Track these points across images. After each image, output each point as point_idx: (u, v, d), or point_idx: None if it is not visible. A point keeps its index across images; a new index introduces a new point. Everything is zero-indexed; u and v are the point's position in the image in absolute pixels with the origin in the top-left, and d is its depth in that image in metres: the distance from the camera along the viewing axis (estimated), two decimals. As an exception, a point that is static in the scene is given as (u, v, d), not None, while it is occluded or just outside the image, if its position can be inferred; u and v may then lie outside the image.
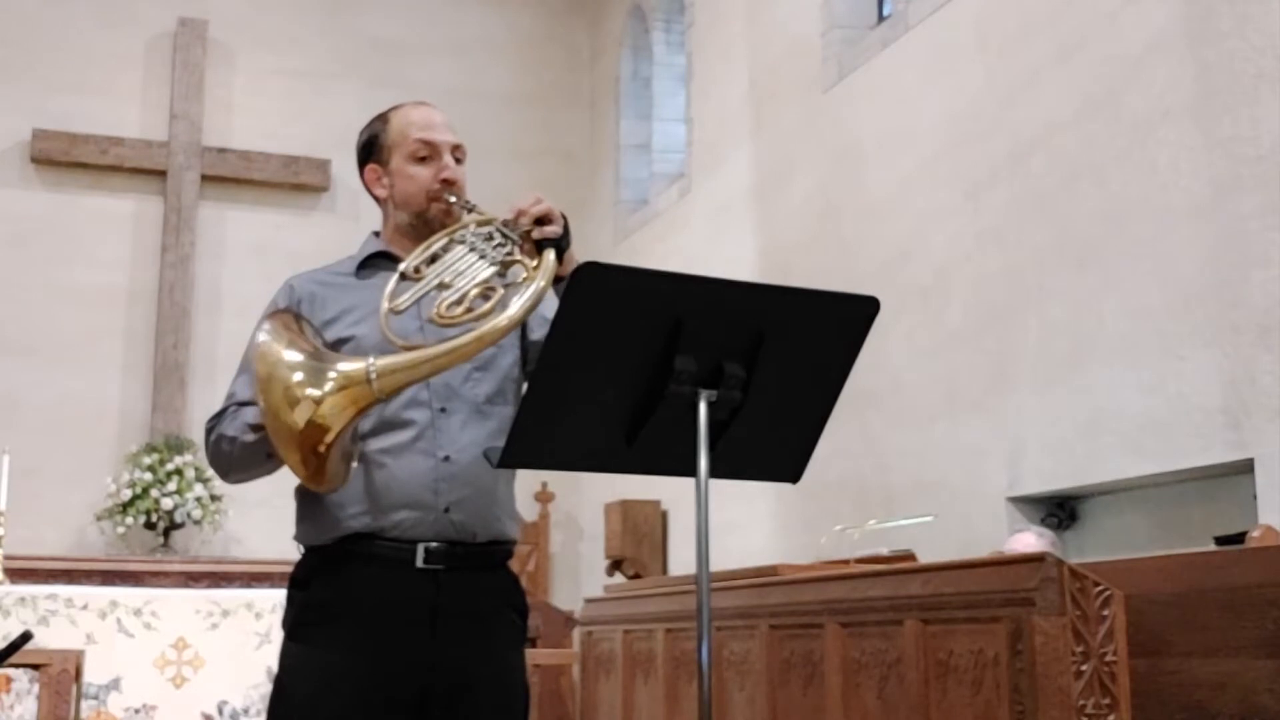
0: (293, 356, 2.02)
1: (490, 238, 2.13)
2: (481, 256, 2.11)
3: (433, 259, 2.13)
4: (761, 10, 7.82)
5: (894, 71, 6.42)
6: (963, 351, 5.71)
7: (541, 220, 2.11)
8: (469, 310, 2.03)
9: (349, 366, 2.01)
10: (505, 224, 2.13)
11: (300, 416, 1.96)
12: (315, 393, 1.98)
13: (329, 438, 1.98)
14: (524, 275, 2.07)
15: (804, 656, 3.48)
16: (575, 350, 1.88)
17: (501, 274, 2.10)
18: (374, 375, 1.99)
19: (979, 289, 5.65)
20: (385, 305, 2.07)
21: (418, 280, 2.10)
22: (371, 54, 9.78)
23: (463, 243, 2.14)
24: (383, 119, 2.37)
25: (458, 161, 2.32)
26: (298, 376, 1.99)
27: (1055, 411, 5.10)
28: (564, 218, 2.14)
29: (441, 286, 2.08)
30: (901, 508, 5.59)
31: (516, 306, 2.02)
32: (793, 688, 3.53)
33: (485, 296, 2.05)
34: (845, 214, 6.73)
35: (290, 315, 2.15)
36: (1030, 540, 4.14)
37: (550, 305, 2.23)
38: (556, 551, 9.83)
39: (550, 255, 2.08)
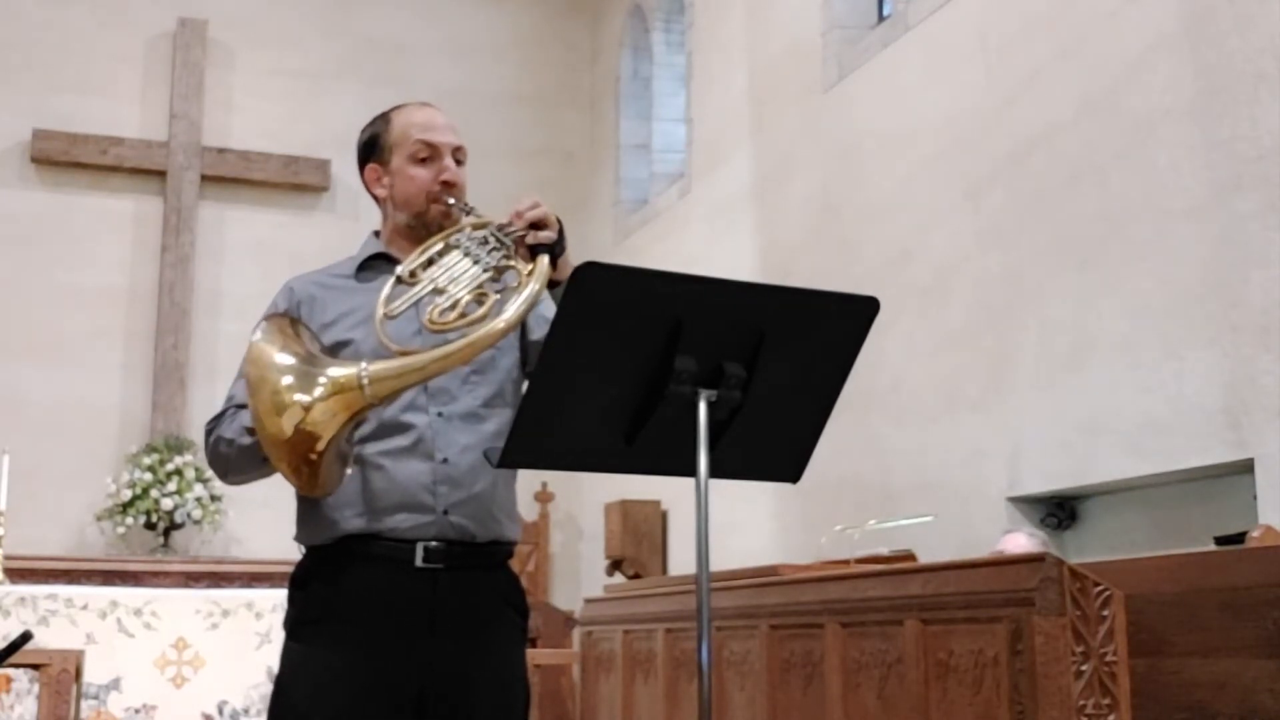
0: (284, 360, 2.01)
1: (485, 242, 2.12)
2: (476, 261, 2.10)
3: (429, 263, 2.13)
4: (761, 10, 7.82)
5: (894, 71, 6.42)
6: (963, 351, 5.71)
7: (537, 225, 2.10)
8: (462, 316, 2.03)
9: (340, 372, 2.01)
10: (500, 228, 2.13)
11: (288, 423, 1.96)
12: (304, 399, 1.97)
13: (320, 445, 1.98)
14: (518, 281, 2.07)
15: (804, 656, 3.48)
16: (575, 350, 1.87)
17: (496, 279, 2.10)
18: (366, 381, 1.99)
19: (979, 289, 5.65)
20: (380, 311, 2.07)
21: (413, 285, 2.10)
22: (371, 54, 9.78)
23: (458, 247, 2.14)
24: (385, 118, 2.37)
25: (458, 163, 2.32)
26: (287, 381, 1.99)
27: (1055, 411, 5.10)
28: (559, 222, 2.13)
29: (436, 292, 2.08)
30: (901, 508, 5.58)
31: (510, 312, 2.01)
32: (793, 688, 3.53)
33: (479, 302, 2.05)
34: (845, 214, 6.72)
35: (286, 319, 2.14)
36: (1022, 541, 4.13)
37: (550, 306, 2.23)
38: (556, 551, 9.83)
39: (544, 260, 2.08)
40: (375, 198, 2.37)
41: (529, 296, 2.03)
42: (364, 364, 2.01)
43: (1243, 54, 4.34)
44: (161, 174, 9.23)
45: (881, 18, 6.94)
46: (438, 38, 10.04)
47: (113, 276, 9.10)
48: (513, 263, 2.09)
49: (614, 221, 9.76)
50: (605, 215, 9.88)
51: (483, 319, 2.02)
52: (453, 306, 2.05)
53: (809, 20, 7.16)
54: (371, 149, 2.35)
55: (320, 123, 9.32)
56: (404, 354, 2.02)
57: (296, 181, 9.49)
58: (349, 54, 9.76)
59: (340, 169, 9.21)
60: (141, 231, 9.21)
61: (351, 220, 8.69)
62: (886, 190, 6.38)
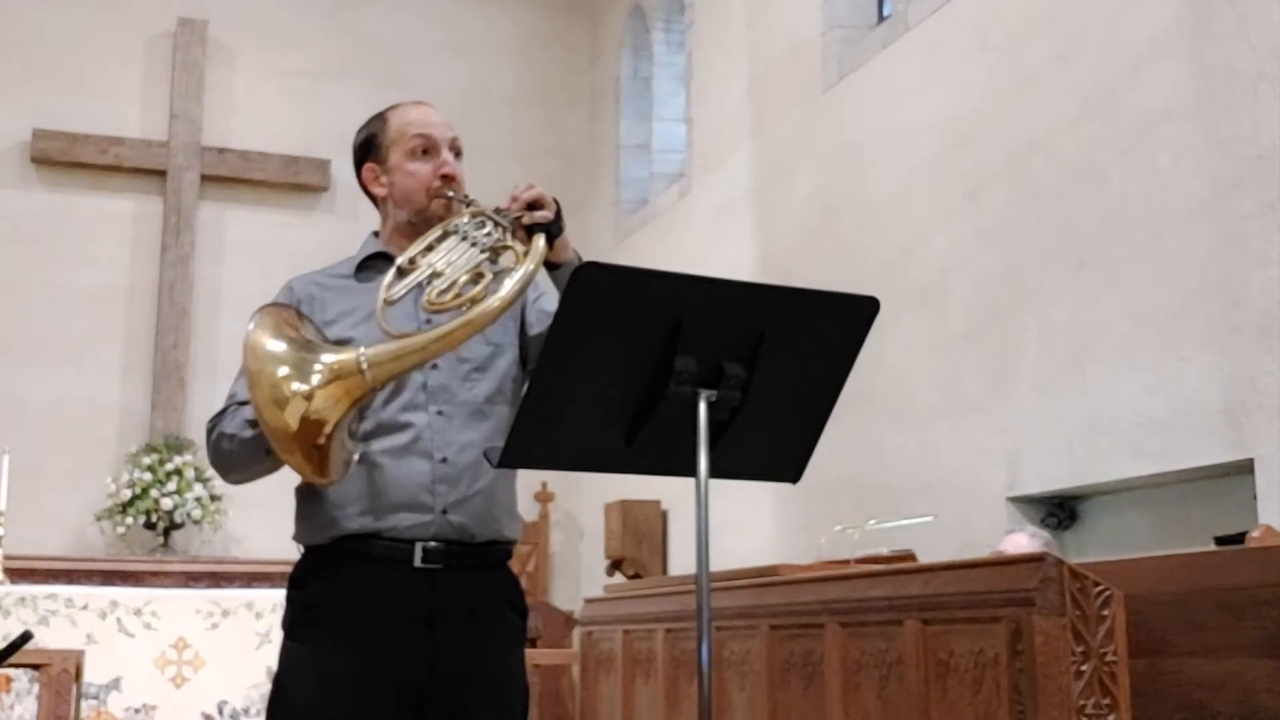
0: (279, 349, 2.01)
1: (482, 225, 2.13)
2: (473, 245, 2.11)
3: (428, 250, 2.14)
4: (761, 10, 7.82)
5: (894, 71, 6.42)
6: (963, 351, 5.71)
7: (533, 205, 2.11)
8: (458, 295, 2.04)
9: (337, 358, 2.01)
10: (497, 211, 2.13)
11: (292, 414, 1.96)
12: (303, 387, 1.97)
13: (327, 429, 1.98)
14: (515, 261, 2.07)
15: (804, 656, 3.48)
16: (575, 350, 1.87)
17: (493, 260, 2.11)
18: (365, 365, 1.99)
19: (979, 289, 5.65)
20: (381, 295, 2.07)
21: (413, 272, 2.11)
22: (371, 54, 9.78)
23: (455, 233, 2.14)
24: (380, 118, 2.37)
25: (456, 156, 2.32)
26: (284, 371, 1.98)
27: (1055, 411, 5.10)
28: (556, 203, 2.14)
29: (434, 276, 2.08)
30: (901, 508, 5.58)
31: (506, 290, 2.02)
32: (793, 688, 3.53)
33: (475, 282, 2.05)
34: (845, 214, 6.72)
35: (286, 308, 2.14)
36: (1023, 541, 4.13)
37: (552, 300, 2.23)
38: (556, 551, 9.84)
39: (540, 240, 2.08)
40: (373, 198, 2.37)
41: (525, 275, 2.04)
42: (362, 349, 2.02)
43: (1243, 54, 4.34)
44: (161, 174, 9.24)
45: (881, 18, 6.94)
46: (438, 38, 10.05)
47: (113, 276, 9.10)
48: (509, 243, 2.10)
49: (614, 221, 9.76)
50: (605, 215, 9.88)
51: (479, 298, 2.02)
52: (449, 287, 2.05)
53: (809, 20, 7.16)
54: (368, 149, 2.35)
55: (320, 123, 9.32)
56: (402, 337, 2.02)
57: (296, 181, 9.49)
58: (349, 54, 9.76)
59: (340, 169, 9.20)
60: (141, 231, 9.21)
61: (351, 220, 8.68)
62: (886, 190, 6.38)
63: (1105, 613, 2.63)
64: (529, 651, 2.41)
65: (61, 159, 9.05)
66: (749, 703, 3.75)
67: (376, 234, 2.38)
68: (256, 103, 9.59)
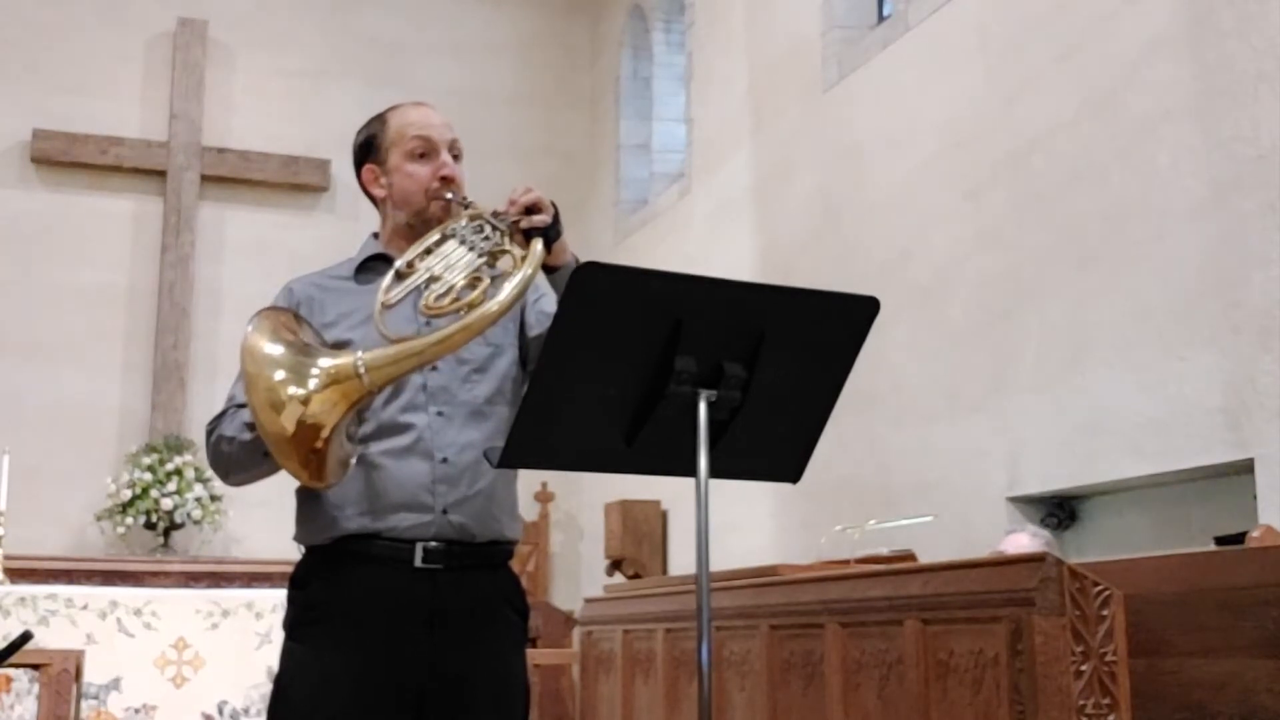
0: (276, 352, 2.01)
1: (480, 229, 2.13)
2: (471, 248, 2.11)
3: (426, 254, 2.14)
4: (761, 10, 7.82)
5: (894, 71, 6.42)
6: (963, 351, 5.71)
7: (530, 209, 2.11)
8: (456, 300, 2.04)
9: (334, 362, 2.01)
10: (495, 215, 2.13)
11: (289, 419, 1.96)
12: (300, 392, 1.97)
13: (324, 434, 1.98)
14: (513, 265, 2.07)
15: (804, 656, 3.48)
16: (575, 350, 1.87)
17: (491, 264, 2.11)
18: (363, 369, 1.99)
19: (979, 289, 5.65)
20: (379, 298, 2.07)
21: (411, 275, 2.11)
22: (371, 54, 9.78)
23: (454, 236, 2.14)
24: (380, 119, 2.37)
25: (455, 158, 2.32)
26: (280, 375, 1.98)
27: (1055, 411, 5.10)
28: (554, 207, 2.14)
29: (432, 280, 2.08)
30: (901, 508, 5.58)
31: (504, 294, 2.02)
32: (793, 688, 3.53)
33: (472, 286, 2.05)
34: (845, 214, 6.73)
35: (286, 313, 2.14)
36: (1024, 541, 4.12)
37: (551, 302, 2.24)
38: (556, 551, 9.84)
39: (538, 244, 2.08)
40: (373, 199, 2.38)
41: (522, 280, 2.04)
42: (359, 352, 2.02)
43: (1243, 54, 4.34)
44: (161, 174, 9.24)
45: (881, 18, 6.94)
46: (437, 38, 10.05)
47: (113, 276, 9.11)
48: (507, 247, 2.10)
49: (614, 221, 9.76)
50: (605, 215, 9.89)
51: (476, 302, 2.02)
52: (447, 292, 2.05)
53: (809, 20, 7.16)
54: (368, 150, 2.35)
55: (320, 123, 9.32)
56: (400, 341, 2.02)
57: (296, 181, 9.50)
58: (349, 54, 9.77)
59: (340, 169, 9.20)
60: (141, 231, 9.21)
61: (351, 220, 8.69)
62: (886, 190, 6.38)
63: (1105, 613, 2.63)
64: (529, 651, 2.41)
65: (61, 159, 9.05)
66: (749, 703, 3.75)
67: (376, 235, 2.38)
68: (256, 103, 9.59)
